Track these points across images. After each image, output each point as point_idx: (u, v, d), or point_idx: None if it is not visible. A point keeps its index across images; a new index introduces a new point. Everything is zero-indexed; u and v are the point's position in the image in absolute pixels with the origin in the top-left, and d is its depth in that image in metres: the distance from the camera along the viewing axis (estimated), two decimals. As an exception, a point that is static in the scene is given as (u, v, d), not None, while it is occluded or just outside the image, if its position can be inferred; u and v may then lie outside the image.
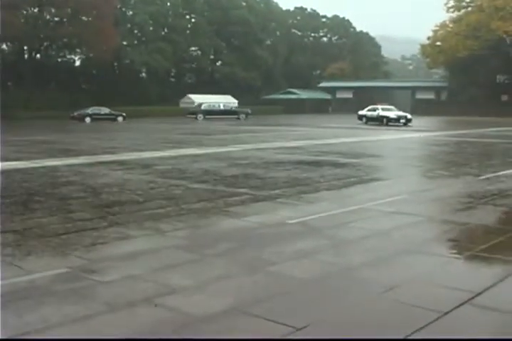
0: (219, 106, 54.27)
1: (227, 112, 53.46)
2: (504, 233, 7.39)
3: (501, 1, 67.54)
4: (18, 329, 4.25)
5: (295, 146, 21.23)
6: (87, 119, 49.38)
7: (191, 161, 15.94)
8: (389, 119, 41.18)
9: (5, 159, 15.69)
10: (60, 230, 7.35)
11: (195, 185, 11.31)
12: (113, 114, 51.10)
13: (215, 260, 6.14)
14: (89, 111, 50.88)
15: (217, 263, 6.03)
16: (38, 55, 63.60)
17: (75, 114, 49.74)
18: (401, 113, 42.71)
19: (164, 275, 5.57)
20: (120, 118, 50.54)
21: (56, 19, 62.03)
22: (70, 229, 7.40)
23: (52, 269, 5.67)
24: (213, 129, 34.10)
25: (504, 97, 69.70)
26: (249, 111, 55.13)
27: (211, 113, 52.31)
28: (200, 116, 51.94)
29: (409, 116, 42.25)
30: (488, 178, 12.50)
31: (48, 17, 61.47)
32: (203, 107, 53.50)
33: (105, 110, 51.49)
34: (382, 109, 43.48)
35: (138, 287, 5.22)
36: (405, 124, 40.51)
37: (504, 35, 66.75)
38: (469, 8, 73.29)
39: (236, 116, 52.89)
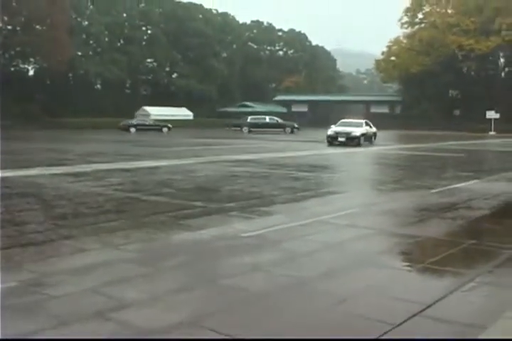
0: (264, 119, 53.91)
1: (272, 125, 53.10)
2: (454, 245, 7.51)
3: (454, 18, 69.26)
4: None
5: (250, 159, 21.28)
6: (132, 130, 49.91)
7: (147, 173, 15.83)
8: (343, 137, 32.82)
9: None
10: (11, 243, 7.20)
11: (152, 197, 11.24)
12: (158, 125, 51.30)
13: (169, 273, 6.10)
14: (134, 121, 51.06)
15: (171, 276, 5.99)
16: (-10, 64, 62.50)
17: (121, 124, 50.34)
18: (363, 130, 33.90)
19: (117, 289, 5.50)
20: (165, 129, 50.59)
21: (9, 27, 61.02)
22: (21, 242, 7.25)
23: (1, 283, 5.52)
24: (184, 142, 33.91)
25: (456, 112, 71.42)
26: (296, 124, 54.10)
27: (256, 126, 52.22)
28: (246, 129, 51.82)
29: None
30: (439, 191, 12.73)
31: (0, 25, 60.46)
32: (249, 120, 53.29)
33: (150, 121, 51.61)
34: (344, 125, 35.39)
35: (90, 301, 5.14)
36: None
37: (457, 51, 68.34)
38: (422, 25, 75.00)
39: (282, 129, 52.26)
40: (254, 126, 52.27)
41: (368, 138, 33.93)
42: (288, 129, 52.22)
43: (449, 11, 72.86)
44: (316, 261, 6.67)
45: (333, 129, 33.06)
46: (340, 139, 31.73)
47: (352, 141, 31.75)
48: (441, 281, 6.09)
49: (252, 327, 4.60)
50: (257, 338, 4.41)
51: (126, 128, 50.68)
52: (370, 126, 34.83)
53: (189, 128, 58.59)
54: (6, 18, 59.80)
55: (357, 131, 32.32)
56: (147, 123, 52.73)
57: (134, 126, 51.53)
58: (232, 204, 10.43)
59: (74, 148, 26.29)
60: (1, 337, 4.09)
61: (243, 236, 7.80)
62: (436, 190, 12.91)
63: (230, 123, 56.48)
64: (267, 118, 54.00)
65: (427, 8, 75.21)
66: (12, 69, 66.04)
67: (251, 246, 7.26)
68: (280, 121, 55.13)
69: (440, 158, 23.96)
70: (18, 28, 60.52)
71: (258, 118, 53.92)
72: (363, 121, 35.11)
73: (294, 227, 8.48)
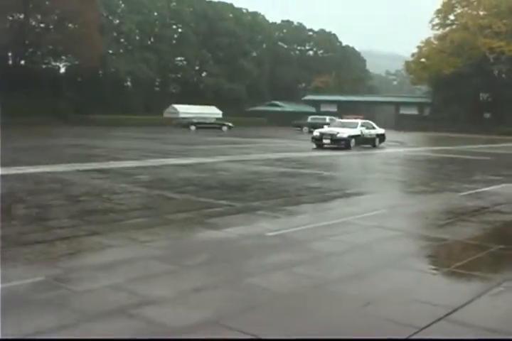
0: (324, 119, 52.21)
1: None
2: (482, 250, 7.42)
3: (486, 20, 68.43)
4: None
5: (277, 158, 21.24)
6: (192, 127, 50.82)
7: (174, 171, 15.90)
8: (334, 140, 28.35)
9: None
10: (39, 238, 7.26)
11: (178, 195, 11.28)
12: (218, 124, 52.15)
13: (194, 271, 6.10)
14: (195, 119, 51.71)
15: (196, 274, 5.99)
16: (23, 62, 63.20)
17: (185, 122, 52.18)
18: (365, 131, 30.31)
19: (142, 285, 5.51)
20: (225, 128, 51.16)
21: (42, 26, 61.75)
22: (49, 238, 7.32)
23: (28, 278, 5.60)
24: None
25: (486, 115, 70.47)
26: None
27: (316, 126, 51.07)
28: (306, 129, 51.02)
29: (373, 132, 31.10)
30: (467, 195, 12.57)
31: (33, 23, 61.16)
32: (309, 120, 52.67)
33: (211, 119, 52.25)
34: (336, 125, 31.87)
35: (114, 297, 5.16)
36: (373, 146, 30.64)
37: (488, 53, 67.53)
38: (454, 26, 74.18)
39: None
40: (314, 126, 51.25)
41: (368, 141, 29.99)
42: None
43: (481, 13, 71.99)
44: (341, 262, 6.63)
45: (319, 130, 29.49)
46: (324, 141, 27.94)
47: (338, 143, 27.85)
48: (468, 285, 6.03)
49: (276, 327, 4.58)
50: (283, 338, 4.39)
51: (187, 126, 51.50)
52: (373, 127, 31.16)
53: None
54: (39, 17, 60.51)
55: (344, 133, 28.08)
56: (207, 121, 53.18)
57: (195, 124, 52.22)
58: (257, 203, 10.42)
59: (102, 145, 26.48)
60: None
61: (268, 235, 7.78)
62: (464, 193, 12.75)
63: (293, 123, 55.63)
64: (327, 119, 52.08)
65: (458, 10, 74.39)
66: (44, 66, 66.73)
67: (276, 246, 7.25)
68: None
69: (469, 161, 23.67)
70: (50, 27, 61.20)
71: (318, 119, 52.68)
72: (360, 121, 31.30)
73: (320, 227, 8.44)
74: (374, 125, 31.64)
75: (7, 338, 4.12)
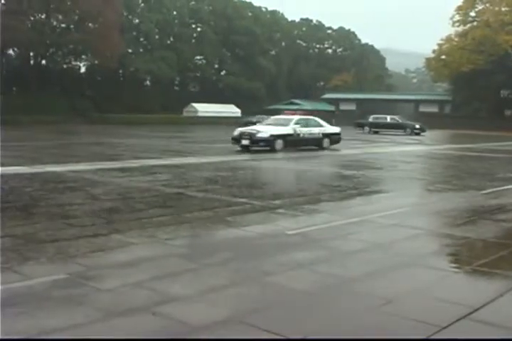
0: (385, 118, 50.82)
1: (392, 126, 49.93)
2: (504, 248, 7.36)
3: (508, 17, 67.68)
4: (14, 334, 4.23)
5: (294, 157, 21.25)
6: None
7: (194, 169, 15.94)
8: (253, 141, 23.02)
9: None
10: (61, 236, 7.33)
11: (199, 193, 11.31)
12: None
13: (214, 269, 6.12)
14: (255, 119, 52.32)
15: (216, 272, 6.01)
16: (44, 61, 63.73)
17: (243, 121, 51.77)
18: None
19: (163, 283, 5.55)
20: None
21: (63, 25, 62.20)
22: (70, 235, 7.38)
23: (51, 275, 5.66)
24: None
25: (508, 112, 69.76)
26: (417, 125, 49.31)
27: (378, 126, 49.91)
28: (367, 129, 49.90)
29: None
30: (490, 193, 12.46)
31: (54, 23, 61.65)
32: (371, 119, 51.12)
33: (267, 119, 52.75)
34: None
35: (136, 295, 5.20)
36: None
37: (510, 50, 66.78)
38: (475, 23, 73.48)
39: (402, 130, 48.48)
40: (376, 126, 49.82)
41: (309, 142, 24.86)
42: (408, 130, 48.14)
43: (503, 9, 71.24)
44: (361, 261, 6.61)
45: (240, 128, 24.49)
46: (243, 142, 22.93)
47: (257, 144, 22.79)
48: (491, 284, 5.99)
49: (294, 325, 4.59)
50: (311, 338, 4.39)
51: (245, 125, 51.54)
52: (320, 125, 25.84)
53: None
54: (60, 17, 60.96)
55: (266, 132, 22.97)
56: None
57: (254, 123, 52.51)
58: (277, 202, 10.42)
59: (123, 143, 26.60)
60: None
61: (288, 233, 7.78)
62: (487, 191, 12.64)
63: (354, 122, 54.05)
64: (388, 118, 50.81)
65: (479, 6, 73.73)
66: (64, 66, 67.30)
67: (296, 244, 7.25)
68: (401, 121, 50.81)
69: (490, 159, 23.44)
70: (71, 26, 61.65)
71: (379, 118, 51.01)
72: (296, 117, 25.80)
73: (340, 226, 8.42)
74: (322, 122, 26.36)
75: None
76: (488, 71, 66.24)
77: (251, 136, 22.81)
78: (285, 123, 24.31)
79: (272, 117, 27.73)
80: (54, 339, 4.24)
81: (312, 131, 24.93)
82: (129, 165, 16.60)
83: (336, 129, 26.66)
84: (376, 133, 48.23)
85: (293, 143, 23.78)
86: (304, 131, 24.40)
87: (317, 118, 26.64)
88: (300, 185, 14.05)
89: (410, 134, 47.13)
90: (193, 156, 20.23)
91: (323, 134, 25.50)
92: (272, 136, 22.81)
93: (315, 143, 25.16)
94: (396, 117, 51.59)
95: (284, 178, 16.15)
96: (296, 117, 25.79)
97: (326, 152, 24.53)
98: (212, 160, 18.80)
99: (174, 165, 16.84)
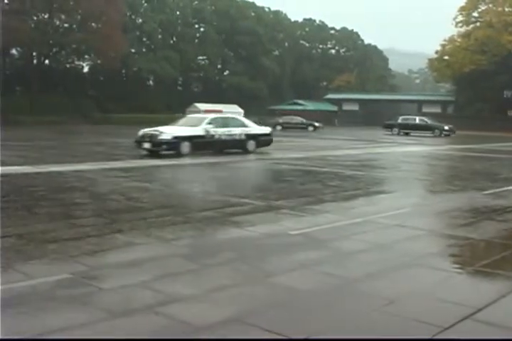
0: (414, 119, 50.00)
1: (421, 127, 48.83)
2: (507, 248, 7.36)
3: (511, 17, 67.55)
4: (16, 334, 4.24)
5: (300, 157, 21.23)
6: (278, 127, 51.13)
7: (196, 169, 15.93)
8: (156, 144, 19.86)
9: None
10: (63, 236, 7.34)
11: (202, 194, 11.31)
12: (304, 124, 52.43)
13: (217, 269, 6.13)
14: (281, 119, 52.37)
15: (219, 272, 6.02)
16: (47, 61, 63.79)
17: (268, 121, 52.09)
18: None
19: (166, 283, 5.55)
20: (311, 128, 51.21)
21: (66, 25, 62.23)
22: (73, 235, 7.39)
23: (54, 275, 5.66)
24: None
25: (511, 112, 69.56)
26: (447, 127, 48.26)
27: (407, 127, 48.78)
28: (395, 130, 48.64)
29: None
30: (492, 193, 12.43)
31: (57, 23, 61.69)
32: (399, 120, 49.99)
33: (296, 119, 52.86)
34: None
35: (139, 295, 5.20)
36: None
37: (513, 50, 66.56)
38: (478, 24, 73.40)
39: (431, 132, 47.43)
40: (404, 127, 48.78)
41: (228, 144, 21.70)
42: (437, 131, 47.34)
43: (506, 10, 71.13)
44: (364, 261, 6.60)
45: (144, 130, 20.75)
46: (145, 145, 19.90)
47: (159, 147, 19.64)
48: (493, 284, 5.98)
49: (297, 325, 4.58)
50: (313, 338, 4.40)
51: (273, 126, 51.65)
52: (243, 125, 22.52)
53: None
54: (63, 17, 60.99)
55: (168, 133, 19.78)
56: (293, 121, 53.43)
57: (280, 124, 52.69)
58: (281, 202, 10.42)
59: (125, 143, 26.61)
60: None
61: (291, 234, 7.78)
62: (489, 192, 12.60)
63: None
64: (417, 119, 50.05)
65: (482, 7, 73.60)
66: (67, 66, 67.36)
67: (299, 244, 7.24)
68: (429, 122, 49.69)
69: (493, 159, 23.39)
70: (74, 26, 61.70)
71: (408, 119, 50.18)
72: (210, 116, 22.72)
73: (343, 226, 8.42)
74: (246, 122, 23.20)
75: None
76: (491, 71, 66.19)
77: (151, 138, 19.74)
78: (196, 124, 21.08)
79: (188, 116, 24.62)
80: (55, 339, 4.24)
81: (232, 132, 21.56)
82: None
83: (264, 129, 23.64)
84: (406, 134, 47.18)
85: (205, 145, 20.65)
86: (219, 131, 21.01)
87: (240, 117, 23.63)
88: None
89: (439, 135, 46.45)
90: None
91: (247, 135, 22.07)
92: (175, 137, 19.64)
93: (237, 146, 21.99)
94: (425, 118, 50.75)
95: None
96: (210, 116, 22.59)
97: (250, 156, 21.23)
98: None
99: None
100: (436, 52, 76.19)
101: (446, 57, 74.04)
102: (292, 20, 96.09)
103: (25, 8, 54.03)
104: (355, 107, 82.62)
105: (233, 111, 68.01)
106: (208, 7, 79.29)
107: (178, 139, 19.72)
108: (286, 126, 52.65)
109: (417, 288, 5.66)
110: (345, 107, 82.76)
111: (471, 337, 4.48)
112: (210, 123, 20.98)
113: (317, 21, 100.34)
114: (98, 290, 5.30)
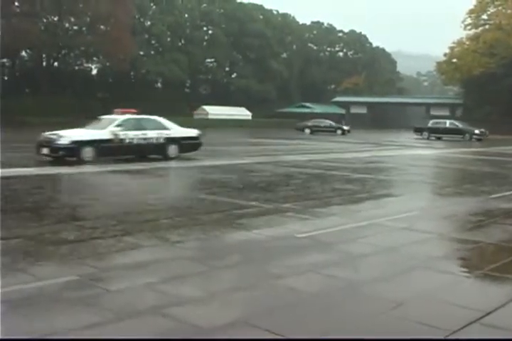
0: (445, 123, 48.43)
1: (451, 131, 47.05)
2: (516, 252, 7.32)
3: (521, 20, 67.09)
4: (24, 335, 4.26)
5: (307, 159, 21.21)
6: (307, 131, 51.66)
7: (204, 172, 15.92)
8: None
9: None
10: (71, 238, 7.35)
11: (209, 196, 11.31)
12: (333, 127, 52.47)
13: (224, 272, 6.13)
14: (310, 123, 52.59)
15: (226, 275, 6.02)
16: (56, 63, 64.13)
17: (296, 124, 53.87)
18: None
19: (172, 285, 5.56)
20: (339, 131, 51.31)
21: (75, 28, 62.64)
22: (80, 237, 7.41)
23: (62, 276, 5.67)
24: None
25: (520, 115, 68.93)
26: (477, 131, 46.65)
27: (437, 131, 47.30)
28: (425, 134, 47.51)
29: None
30: (499, 197, 12.35)
31: (67, 25, 62.02)
32: (430, 124, 48.68)
33: (325, 123, 53.03)
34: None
35: (146, 297, 5.21)
36: None
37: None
38: (487, 26, 73.10)
39: (461, 136, 45.92)
40: (434, 131, 47.43)
41: (144, 149, 19.00)
42: (467, 136, 45.86)
43: (516, 12, 70.88)
44: (370, 264, 6.59)
45: (45, 133, 18.17)
46: (43, 151, 17.60)
47: (57, 153, 17.37)
48: (502, 288, 5.94)
49: (304, 328, 4.58)
50: (310, 338, 4.39)
51: (302, 129, 52.55)
52: (163, 127, 19.67)
53: (254, 129, 56.72)
54: (72, 19, 61.32)
55: (67, 138, 17.47)
56: (322, 125, 53.59)
57: (309, 127, 52.85)
58: (287, 205, 10.40)
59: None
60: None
61: (298, 236, 7.76)
62: (497, 195, 12.52)
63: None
64: (447, 123, 48.49)
65: (491, 9, 73.35)
66: (76, 68, 67.77)
67: (305, 247, 7.22)
68: (460, 126, 47.94)
69: (501, 163, 23.26)
70: (83, 29, 62.01)
71: (439, 123, 48.79)
72: (121, 117, 19.36)
73: (349, 229, 8.40)
74: (167, 124, 20.16)
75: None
76: (500, 74, 65.88)
77: (49, 143, 17.47)
78: (103, 126, 18.64)
79: (102, 117, 20.68)
80: (55, 339, 4.24)
81: (148, 136, 18.93)
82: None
83: (190, 132, 20.70)
84: (439, 138, 46.04)
85: (112, 151, 18.20)
86: (131, 135, 18.50)
87: (160, 119, 20.36)
88: None
89: (469, 140, 45.02)
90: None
91: (167, 139, 19.37)
92: (74, 142, 17.33)
93: (155, 151, 19.33)
94: (456, 122, 49.28)
95: None
96: (121, 117, 19.36)
97: (170, 163, 18.46)
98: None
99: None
100: (445, 54, 76.07)
101: (454, 60, 73.86)
102: (300, 22, 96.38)
103: (35, 10, 54.38)
104: (363, 110, 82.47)
105: (241, 113, 68.23)
106: (216, 10, 79.48)
107: (78, 144, 17.37)
108: (315, 130, 52.35)
109: (424, 292, 5.63)
110: (353, 110, 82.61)
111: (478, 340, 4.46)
112: (119, 126, 18.47)
113: (325, 24, 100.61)
114: (105, 292, 5.29)
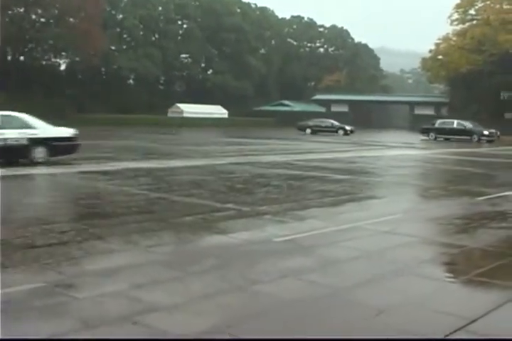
0: (452, 123, 46.52)
1: (458, 132, 45.07)
2: (503, 257, 7.19)
3: (510, 15, 66.90)
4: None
5: (285, 161, 20.86)
6: (308, 131, 51.06)
7: (179, 173, 15.71)
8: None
9: None
10: (39, 242, 7.11)
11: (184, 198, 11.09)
12: (334, 127, 51.84)
13: (199, 277, 5.97)
14: (311, 123, 52.19)
15: (201, 280, 5.86)
16: (22, 57, 62.43)
17: (298, 124, 53.33)
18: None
19: (145, 292, 5.40)
20: (341, 132, 50.56)
21: (42, 20, 60.91)
22: (49, 242, 7.16)
23: (28, 283, 5.49)
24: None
25: (508, 115, 68.43)
26: (486, 131, 44.67)
27: (443, 131, 45.61)
28: (432, 135, 45.94)
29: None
30: (487, 199, 12.14)
31: (33, 17, 60.49)
32: (437, 125, 46.95)
33: (327, 122, 52.45)
34: None
35: (117, 304, 5.08)
36: None
37: (511, 50, 65.80)
38: (474, 22, 72.58)
39: (469, 137, 43.93)
40: (441, 131, 45.76)
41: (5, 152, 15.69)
42: (475, 137, 43.92)
43: (504, 7, 70.49)
44: (352, 269, 6.47)
45: None
46: None
47: None
48: (488, 294, 5.84)
49: (284, 335, 4.49)
50: (309, 338, 4.19)
51: (303, 129, 52.07)
52: (27, 126, 16.45)
53: (230, 128, 55.49)
54: (39, 11, 59.78)
55: None
56: (323, 125, 53.35)
57: (310, 127, 52.71)
58: (264, 208, 10.16)
59: (106, 145, 26.25)
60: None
61: (276, 240, 7.59)
62: (484, 198, 12.28)
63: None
64: (455, 123, 46.51)
65: (479, 4, 72.68)
66: (43, 63, 65.72)
67: (283, 252, 7.07)
68: (468, 126, 45.70)
69: (488, 164, 22.93)
70: (51, 21, 60.32)
71: (446, 123, 46.97)
72: None
73: (330, 233, 8.23)
74: (32, 122, 16.93)
75: (7, 338, 4.07)
76: (488, 72, 65.36)
77: None
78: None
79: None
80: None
81: (6, 136, 15.77)
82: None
83: (64, 132, 17.56)
84: (447, 139, 44.52)
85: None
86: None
87: (24, 116, 17.16)
88: None
89: (478, 141, 43.62)
90: None
91: (31, 140, 16.33)
92: None
93: (15, 155, 16.30)
94: (463, 122, 47.05)
95: None
96: None
97: (34, 169, 15.51)
98: None
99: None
100: (430, 51, 75.02)
101: (440, 57, 73.15)
102: (280, 17, 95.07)
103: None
104: (345, 108, 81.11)
105: (217, 111, 67.61)
106: (191, 2, 78.20)
107: None
108: (316, 130, 51.30)
109: (408, 298, 5.50)
110: (334, 109, 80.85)
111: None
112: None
113: (305, 18, 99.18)
114: (74, 299, 5.14)
